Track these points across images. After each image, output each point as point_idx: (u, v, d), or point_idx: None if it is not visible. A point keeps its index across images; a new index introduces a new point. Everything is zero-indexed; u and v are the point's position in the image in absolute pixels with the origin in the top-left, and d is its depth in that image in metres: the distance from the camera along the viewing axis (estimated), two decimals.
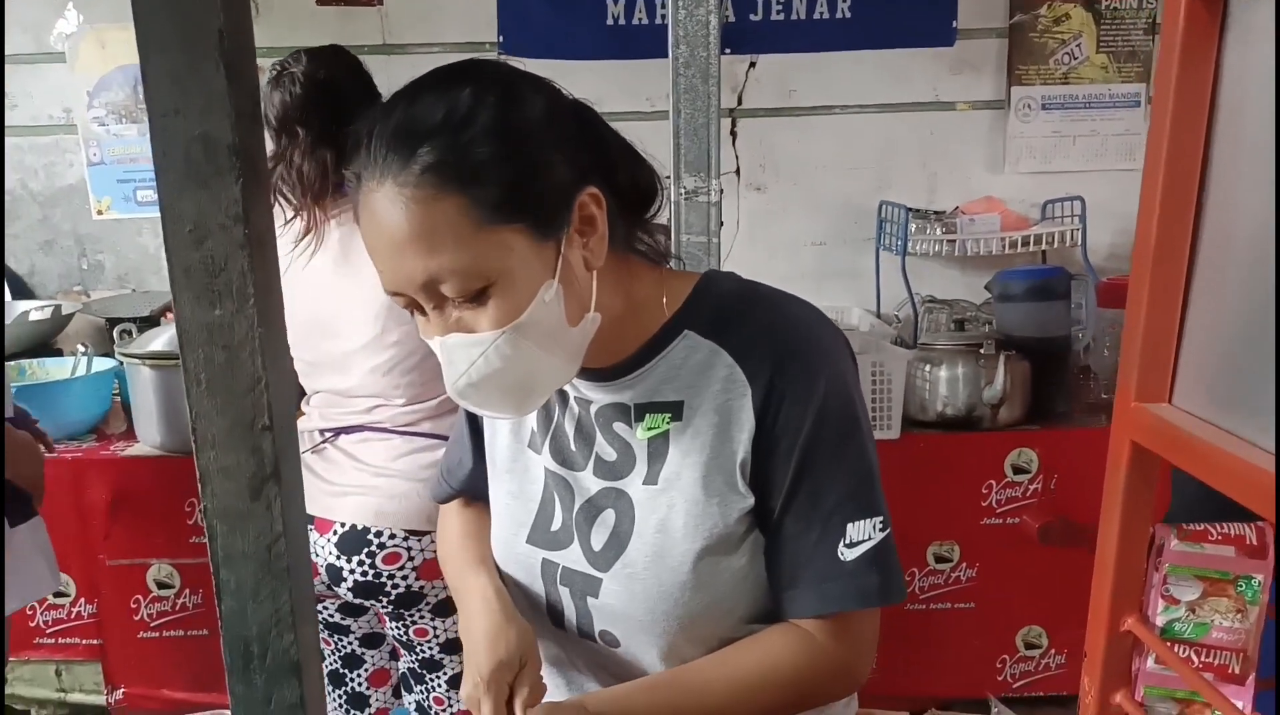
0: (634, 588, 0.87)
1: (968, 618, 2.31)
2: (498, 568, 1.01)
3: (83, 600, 2.33)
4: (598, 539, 0.90)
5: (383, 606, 1.69)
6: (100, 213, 3.19)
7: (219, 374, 0.61)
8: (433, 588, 1.67)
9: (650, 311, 0.89)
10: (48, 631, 2.33)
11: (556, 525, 0.93)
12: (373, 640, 1.82)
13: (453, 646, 1.73)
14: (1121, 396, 0.69)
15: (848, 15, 3.06)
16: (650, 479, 0.88)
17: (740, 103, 3.10)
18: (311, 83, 1.61)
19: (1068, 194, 2.96)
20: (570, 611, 0.93)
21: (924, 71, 3.11)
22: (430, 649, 1.73)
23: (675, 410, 0.87)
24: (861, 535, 0.84)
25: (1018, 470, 2.21)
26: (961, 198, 3.13)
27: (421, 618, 1.70)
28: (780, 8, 3.06)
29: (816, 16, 3.06)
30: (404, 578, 1.65)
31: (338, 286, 1.63)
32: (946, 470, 2.21)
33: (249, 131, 0.60)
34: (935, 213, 3.05)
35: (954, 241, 2.88)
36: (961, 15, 3.05)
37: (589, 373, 0.90)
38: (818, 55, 3.08)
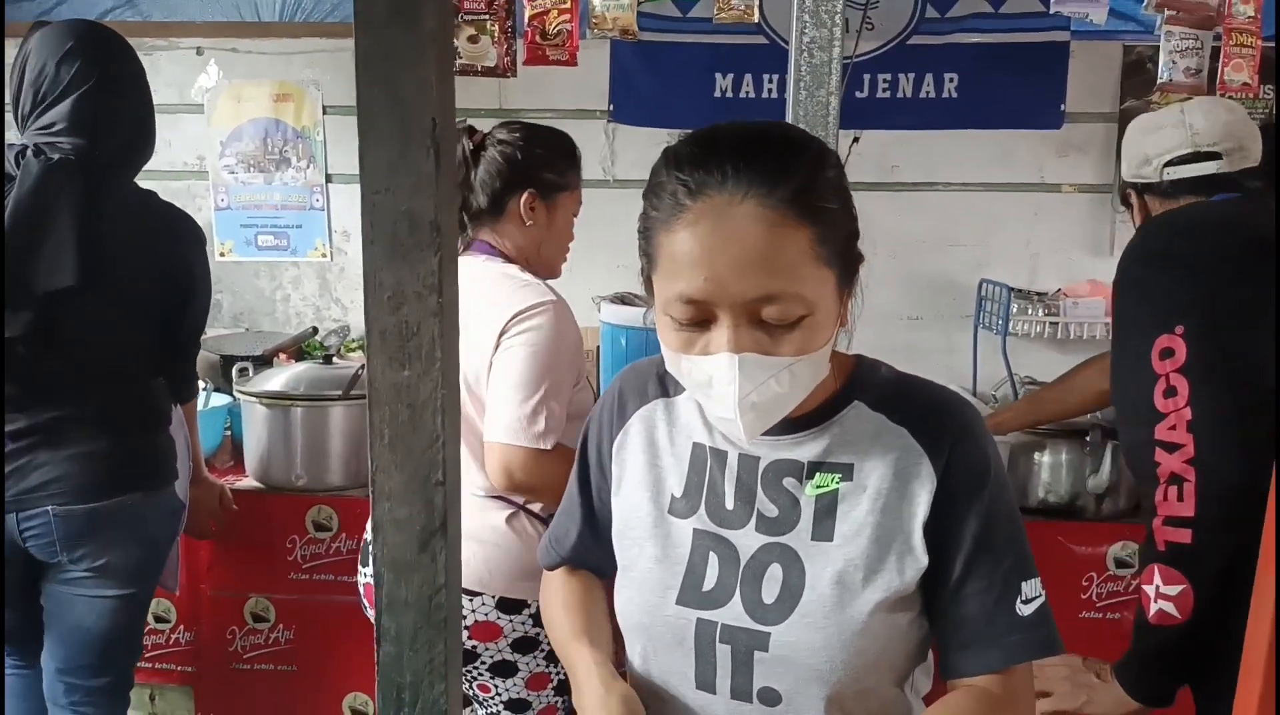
0: (814, 637, 0.90)
1: None
2: (619, 634, 1.04)
3: (181, 627, 2.41)
4: (769, 593, 0.93)
5: None
6: (223, 254, 3.37)
7: (402, 431, 0.66)
8: (486, 649, 1.64)
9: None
10: (146, 656, 2.41)
11: (710, 585, 0.95)
12: None
13: (517, 706, 1.70)
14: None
15: (954, 95, 3.08)
16: (821, 535, 0.93)
17: None
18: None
19: None
20: (725, 671, 0.94)
21: (1029, 152, 3.11)
22: (495, 705, 1.70)
23: (846, 471, 0.94)
24: (1033, 592, 0.93)
25: (1121, 564, 2.13)
26: (1063, 280, 3.09)
27: (480, 675, 1.68)
28: (886, 86, 3.10)
29: (923, 96, 3.09)
30: (464, 639, 1.63)
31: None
32: (1046, 560, 2.14)
33: (448, 209, 0.65)
34: (1038, 293, 3.02)
35: (1056, 323, 2.84)
36: (1070, 99, 3.05)
37: None
38: (921, 133, 3.11)
